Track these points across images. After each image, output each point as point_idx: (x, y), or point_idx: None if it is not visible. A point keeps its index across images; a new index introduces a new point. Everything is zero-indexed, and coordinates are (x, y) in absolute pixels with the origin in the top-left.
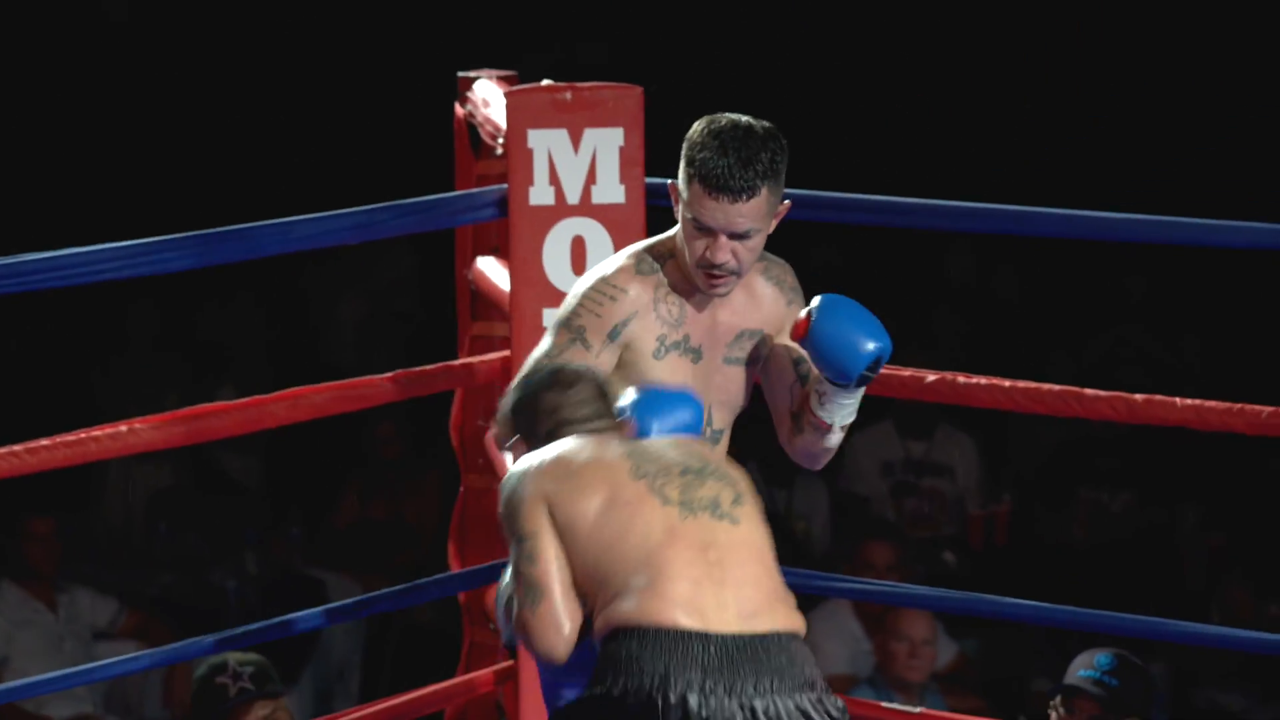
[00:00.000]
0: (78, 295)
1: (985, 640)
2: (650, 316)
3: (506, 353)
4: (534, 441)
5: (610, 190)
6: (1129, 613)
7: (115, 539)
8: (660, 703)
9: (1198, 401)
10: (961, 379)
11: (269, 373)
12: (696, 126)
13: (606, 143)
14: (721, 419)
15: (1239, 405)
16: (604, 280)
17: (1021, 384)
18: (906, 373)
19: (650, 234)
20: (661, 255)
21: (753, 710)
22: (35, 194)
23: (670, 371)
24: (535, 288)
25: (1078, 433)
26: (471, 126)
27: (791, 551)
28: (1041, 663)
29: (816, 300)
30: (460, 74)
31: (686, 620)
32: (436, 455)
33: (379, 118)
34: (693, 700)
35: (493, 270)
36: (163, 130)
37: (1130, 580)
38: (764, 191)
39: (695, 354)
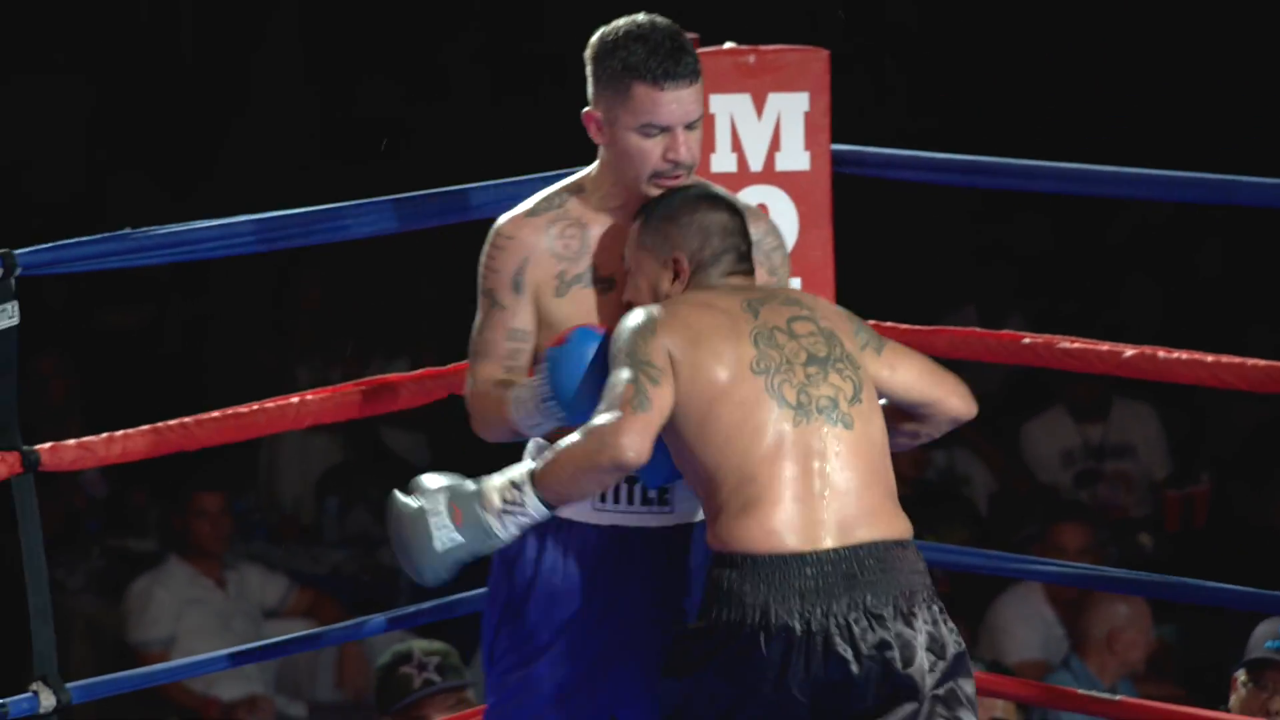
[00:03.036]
0: (246, 264)
1: (1184, 627)
2: (544, 256)
3: None
4: (689, 265)
5: (795, 157)
6: None
7: (285, 516)
8: (762, 636)
9: None
10: (1162, 354)
11: (452, 345)
12: (598, 38)
13: (791, 108)
14: None
15: None
16: (494, 233)
17: (1225, 359)
18: (1104, 347)
19: (836, 202)
20: (563, 193)
21: (849, 628)
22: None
23: (575, 306)
24: None
25: (1277, 411)
26: None
27: (978, 532)
28: (1244, 651)
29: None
30: None
31: (790, 541)
32: None
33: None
34: (795, 626)
35: None
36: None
37: None
38: (698, 82)
39: (605, 284)
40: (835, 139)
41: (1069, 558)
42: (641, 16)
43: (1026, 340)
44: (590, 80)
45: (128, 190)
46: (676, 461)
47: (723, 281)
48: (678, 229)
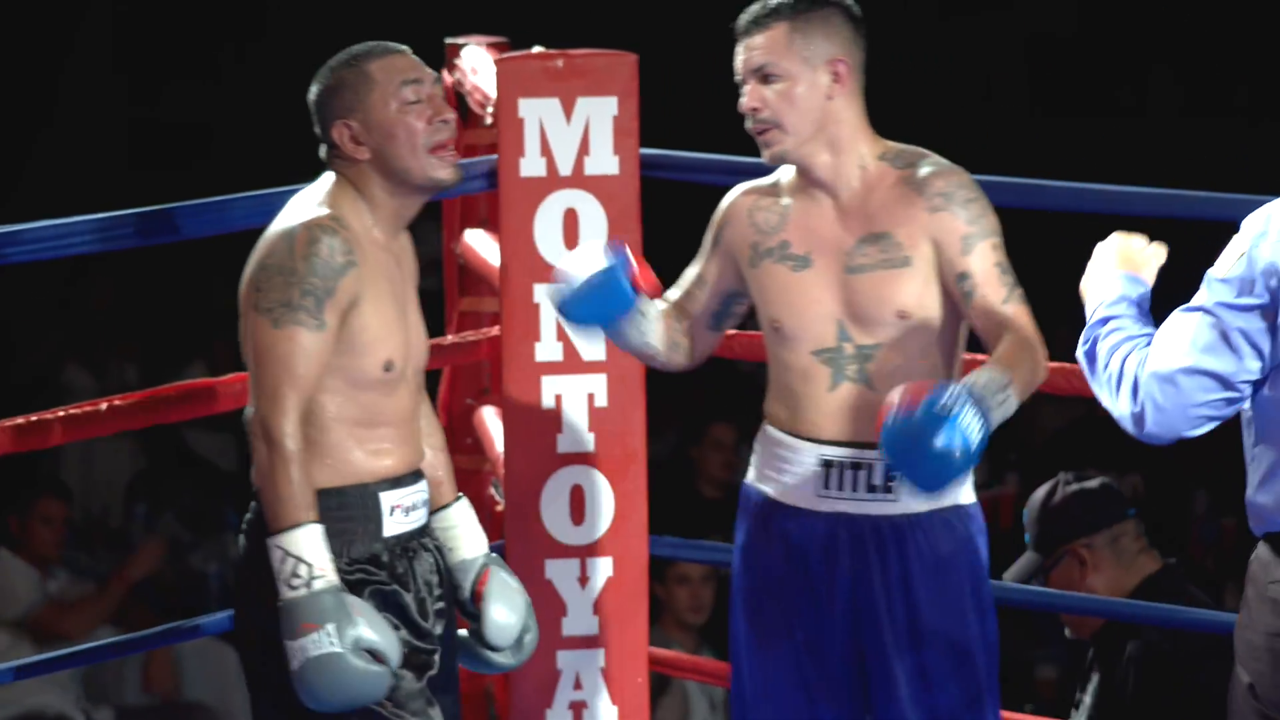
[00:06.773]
0: (36, 270)
1: None
2: (743, 224)
3: (496, 329)
4: None
5: (604, 161)
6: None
7: (93, 521)
8: None
9: None
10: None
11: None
12: None
13: (600, 112)
14: (866, 333)
15: None
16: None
17: None
18: None
19: (645, 207)
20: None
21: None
22: None
23: (768, 279)
24: (526, 261)
25: (1082, 413)
26: (460, 95)
27: None
28: (1048, 651)
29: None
30: (448, 40)
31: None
32: None
33: None
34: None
35: (481, 244)
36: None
37: None
38: (782, 29)
39: (797, 261)
40: (644, 144)
41: None
42: None
43: None
44: None
45: None
46: None
47: None
48: None
